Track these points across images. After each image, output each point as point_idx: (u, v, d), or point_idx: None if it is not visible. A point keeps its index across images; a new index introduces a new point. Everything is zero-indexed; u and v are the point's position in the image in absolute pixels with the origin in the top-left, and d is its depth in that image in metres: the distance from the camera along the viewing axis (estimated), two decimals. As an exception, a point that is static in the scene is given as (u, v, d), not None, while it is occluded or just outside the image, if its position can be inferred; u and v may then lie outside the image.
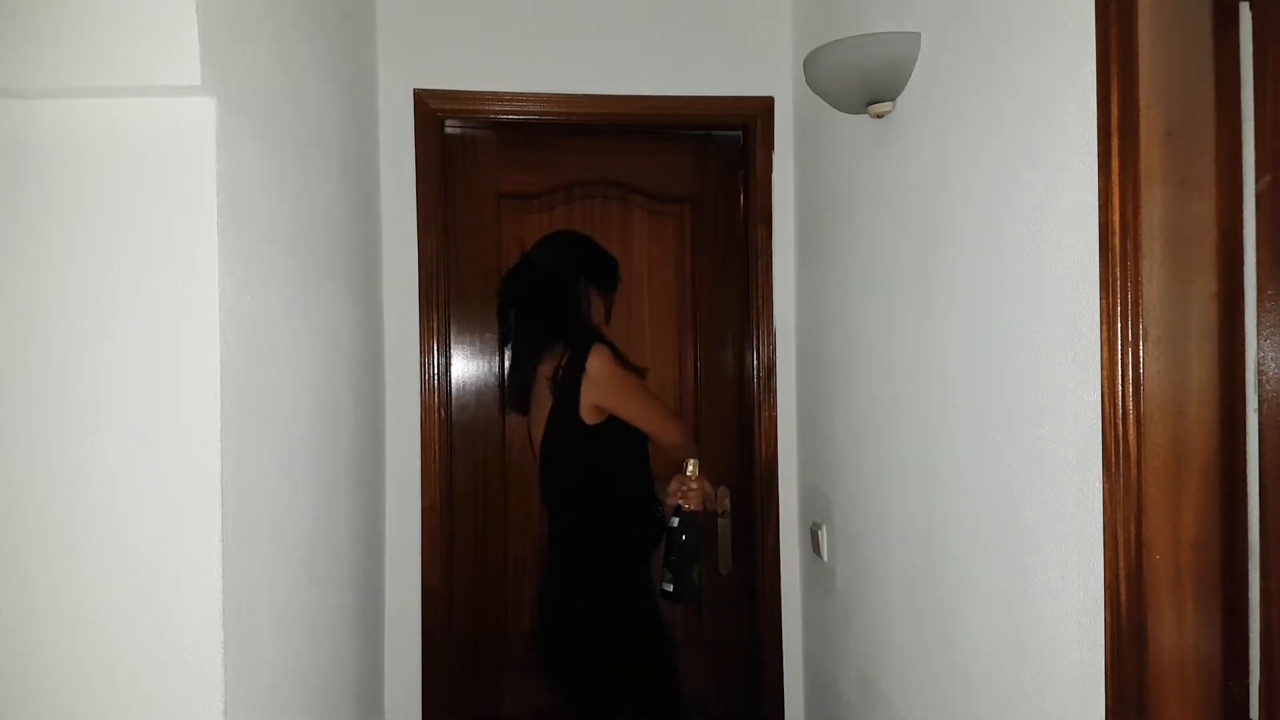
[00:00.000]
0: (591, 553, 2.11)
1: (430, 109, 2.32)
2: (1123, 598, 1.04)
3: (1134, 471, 1.02)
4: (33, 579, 1.05)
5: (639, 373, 2.16)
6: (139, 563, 1.06)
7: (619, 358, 2.10)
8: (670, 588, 2.06)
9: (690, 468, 2.07)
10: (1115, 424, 1.04)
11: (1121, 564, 1.04)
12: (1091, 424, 1.10)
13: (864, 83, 1.64)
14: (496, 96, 2.33)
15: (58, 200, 1.04)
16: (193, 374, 1.06)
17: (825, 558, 2.19)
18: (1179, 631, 1.03)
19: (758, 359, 2.45)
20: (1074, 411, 1.14)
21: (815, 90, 1.74)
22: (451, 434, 2.40)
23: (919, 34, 1.58)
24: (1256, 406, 1.01)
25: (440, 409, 2.36)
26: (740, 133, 2.46)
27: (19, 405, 1.04)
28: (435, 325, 2.34)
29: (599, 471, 2.11)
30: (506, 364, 2.30)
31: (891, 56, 1.59)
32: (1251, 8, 1.02)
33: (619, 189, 2.49)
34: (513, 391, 2.22)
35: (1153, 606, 1.02)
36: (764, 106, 2.42)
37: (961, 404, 1.45)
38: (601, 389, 2.05)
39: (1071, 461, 1.15)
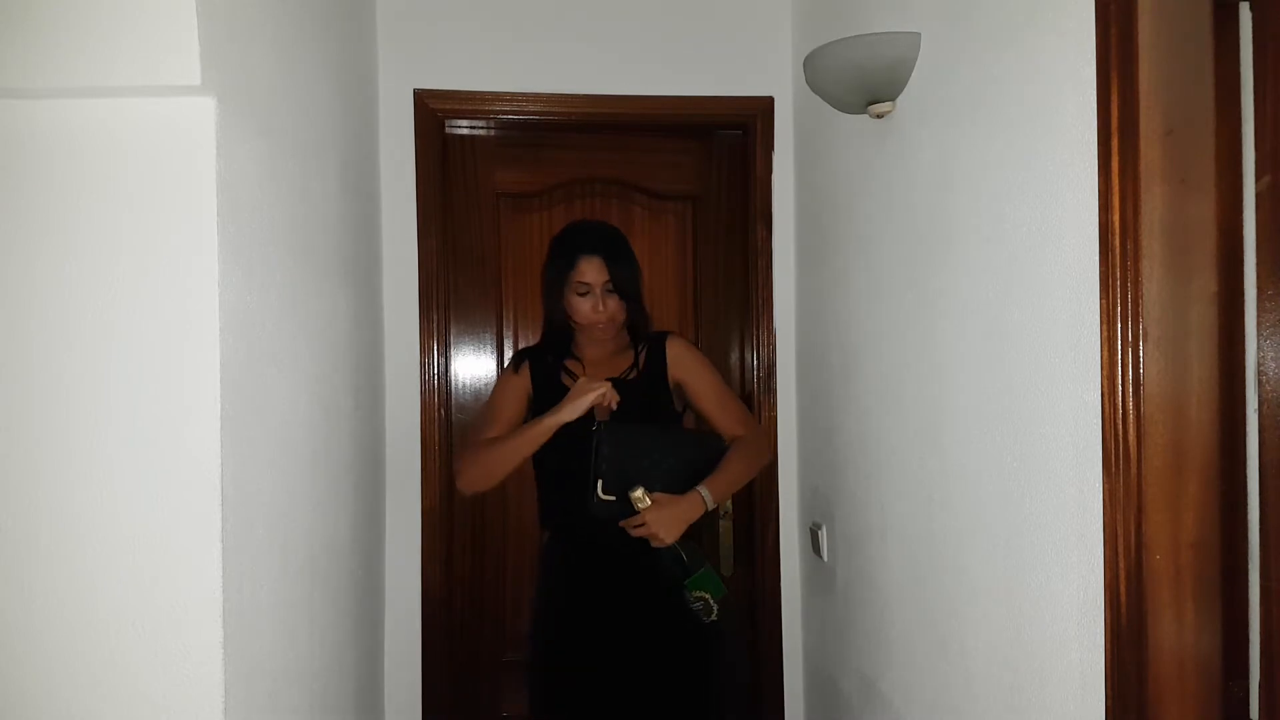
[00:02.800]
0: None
1: (430, 109, 2.32)
2: (1122, 597, 1.04)
3: (1134, 471, 1.02)
4: (33, 579, 1.05)
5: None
6: (139, 563, 1.06)
7: (543, 370, 2.04)
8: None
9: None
10: (1115, 424, 1.04)
11: (1121, 564, 1.04)
12: (1091, 424, 1.10)
13: (864, 83, 1.64)
14: (496, 96, 2.33)
15: (58, 200, 1.04)
16: (193, 373, 1.06)
17: (825, 558, 2.19)
18: (1179, 631, 1.03)
19: (758, 359, 2.45)
20: (1074, 411, 1.14)
21: (815, 90, 1.74)
22: (451, 434, 2.40)
23: (919, 34, 1.58)
24: (1256, 406, 1.01)
25: (440, 409, 2.36)
26: (741, 131, 2.46)
27: (19, 405, 1.04)
28: (435, 325, 2.34)
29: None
30: None
31: (891, 56, 1.59)
32: (1251, 8, 1.02)
33: (619, 187, 2.48)
34: None
35: (1153, 606, 1.02)
36: (764, 106, 2.42)
37: (961, 403, 1.45)
38: None
39: (1071, 461, 1.15)
